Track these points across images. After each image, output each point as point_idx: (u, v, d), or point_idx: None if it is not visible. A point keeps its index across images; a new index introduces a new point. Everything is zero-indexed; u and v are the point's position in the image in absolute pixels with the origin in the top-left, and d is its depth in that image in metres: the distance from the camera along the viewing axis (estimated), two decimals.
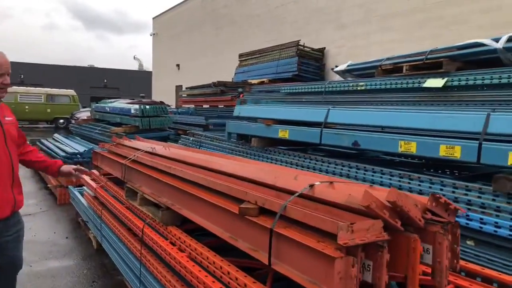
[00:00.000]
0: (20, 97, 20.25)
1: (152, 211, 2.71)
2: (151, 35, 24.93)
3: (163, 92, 23.19)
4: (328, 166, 3.09)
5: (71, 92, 22.10)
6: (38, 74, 35.18)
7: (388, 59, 4.83)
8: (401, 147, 2.54)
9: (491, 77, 3.46)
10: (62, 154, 6.34)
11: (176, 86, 21.03)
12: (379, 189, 1.69)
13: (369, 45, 9.97)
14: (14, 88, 20.98)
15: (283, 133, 3.50)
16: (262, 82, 10.36)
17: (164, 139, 7.66)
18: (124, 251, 2.90)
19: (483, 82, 3.53)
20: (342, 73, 5.60)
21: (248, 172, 2.07)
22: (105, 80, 41.17)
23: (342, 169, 2.97)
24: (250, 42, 14.46)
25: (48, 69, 37.40)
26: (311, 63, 10.64)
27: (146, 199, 2.87)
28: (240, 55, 13.04)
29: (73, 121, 16.40)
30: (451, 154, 2.26)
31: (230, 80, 11.90)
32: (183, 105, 12.56)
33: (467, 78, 3.66)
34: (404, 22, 9.21)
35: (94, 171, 4.49)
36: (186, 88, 11.99)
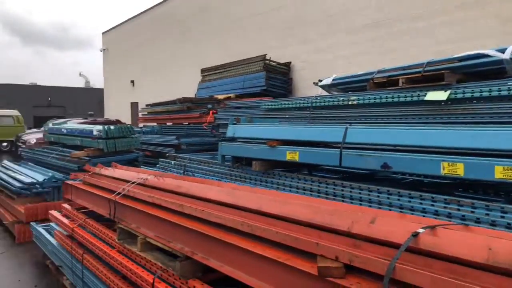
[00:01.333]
0: None
1: (162, 260, 2.24)
2: (101, 51, 23.80)
3: (115, 109, 22.12)
4: (351, 192, 2.78)
5: (14, 112, 20.38)
6: None
7: (379, 71, 4.68)
8: (444, 169, 2.29)
9: (499, 88, 3.36)
10: (18, 185, 5.55)
11: (131, 103, 20.10)
12: (478, 230, 1.39)
13: (335, 59, 9.98)
14: None
15: (292, 155, 3.16)
16: (229, 98, 10.03)
17: (132, 162, 7.06)
18: None
19: (490, 94, 3.43)
20: (327, 87, 5.39)
21: (301, 213, 1.70)
22: (49, 99, 38.77)
23: (369, 194, 2.67)
24: (210, 56, 14.09)
25: None
26: (278, 77, 10.48)
27: (150, 244, 2.40)
28: (203, 70, 12.65)
29: (19, 144, 15.06)
30: (510, 176, 2.04)
31: (192, 96, 11.43)
32: (144, 124, 11.89)
33: (473, 90, 3.55)
34: (369, 36, 9.31)
35: (65, 205, 3.89)
36: (147, 105, 11.33)
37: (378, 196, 2.63)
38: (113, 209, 2.83)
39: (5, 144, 19.47)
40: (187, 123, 9.58)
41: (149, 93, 17.83)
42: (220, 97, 10.23)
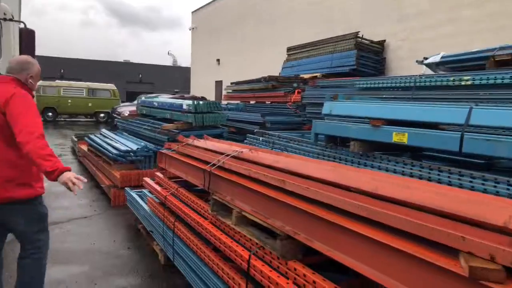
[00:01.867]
0: (63, 91, 20.45)
1: (258, 237, 2.12)
2: (190, 30, 24.61)
3: (200, 87, 22.85)
4: (471, 182, 2.40)
5: (111, 86, 22.13)
6: (77, 69, 35.70)
7: (501, 48, 4.06)
8: None
9: None
10: (115, 152, 5.91)
11: (216, 82, 20.60)
12: None
13: (437, 38, 9.07)
14: (57, 82, 21.25)
15: (400, 136, 2.84)
16: (315, 77, 9.67)
17: (217, 137, 7.14)
18: (218, 284, 2.33)
19: None
20: (434, 66, 4.85)
21: (429, 200, 1.43)
22: (140, 75, 41.42)
23: (496, 186, 2.27)
24: (296, 35, 13.75)
25: (86, 64, 37.90)
26: (370, 56, 9.84)
27: (245, 218, 2.30)
28: (289, 49, 12.37)
29: (115, 115, 16.30)
30: None
31: (276, 75, 11.26)
32: (229, 101, 12.04)
33: None
34: (478, 12, 8.27)
35: (158, 173, 4.00)
36: (232, 83, 11.43)
37: (508, 189, 2.22)
38: (207, 180, 2.78)
39: (102, 115, 21.30)
40: (269, 102, 9.48)
41: (234, 71, 18.07)
42: (306, 76, 9.92)
